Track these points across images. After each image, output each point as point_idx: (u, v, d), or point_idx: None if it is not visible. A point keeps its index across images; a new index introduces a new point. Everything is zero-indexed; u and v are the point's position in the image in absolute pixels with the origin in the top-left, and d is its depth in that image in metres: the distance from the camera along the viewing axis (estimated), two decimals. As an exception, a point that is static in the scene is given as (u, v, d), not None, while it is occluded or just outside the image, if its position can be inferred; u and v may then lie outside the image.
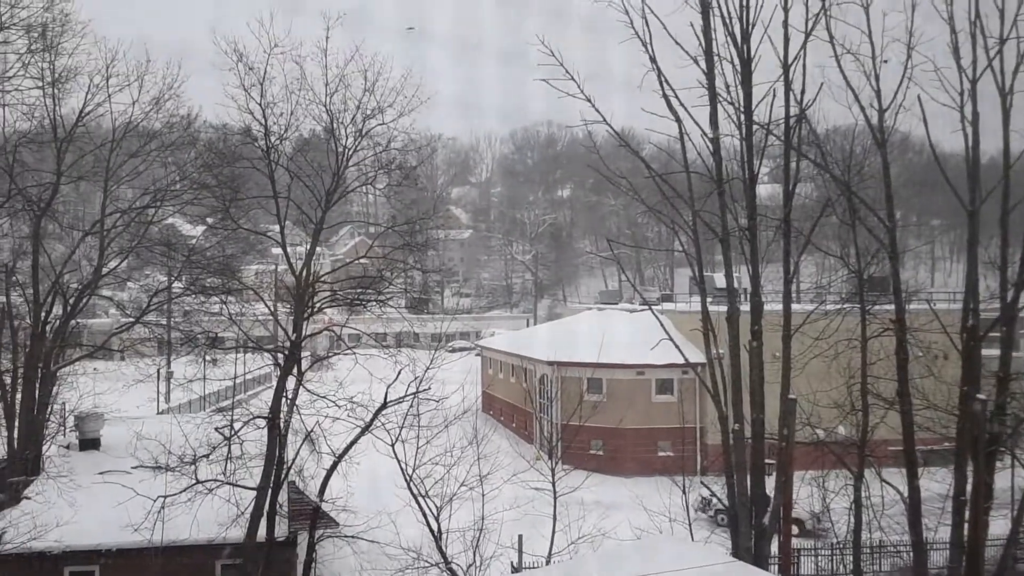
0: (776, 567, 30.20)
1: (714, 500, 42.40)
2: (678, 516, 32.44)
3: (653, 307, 42.09)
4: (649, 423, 53.33)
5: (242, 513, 27.20)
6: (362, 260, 34.02)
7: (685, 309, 55.11)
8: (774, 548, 30.21)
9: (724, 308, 29.37)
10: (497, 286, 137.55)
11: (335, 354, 31.31)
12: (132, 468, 29.57)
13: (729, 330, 28.97)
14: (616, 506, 44.75)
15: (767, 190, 62.70)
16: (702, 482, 40.09)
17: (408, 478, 29.43)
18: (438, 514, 29.31)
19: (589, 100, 27.83)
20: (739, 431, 28.75)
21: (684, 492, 33.12)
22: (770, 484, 29.46)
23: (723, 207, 28.55)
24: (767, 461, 30.79)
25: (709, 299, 30.19)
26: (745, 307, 29.49)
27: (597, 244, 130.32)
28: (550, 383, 55.43)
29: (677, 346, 32.34)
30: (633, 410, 53.12)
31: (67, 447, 34.48)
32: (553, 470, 31.26)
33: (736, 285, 30.36)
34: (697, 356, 37.17)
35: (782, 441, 28.17)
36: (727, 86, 27.93)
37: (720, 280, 42.98)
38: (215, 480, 27.13)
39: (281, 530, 28.13)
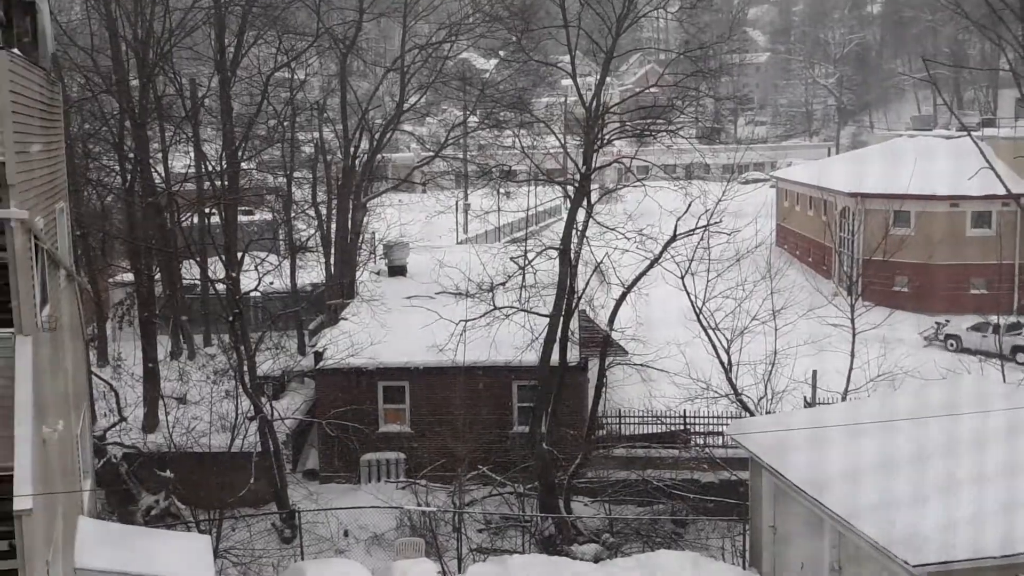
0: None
1: (942, 325, 41.21)
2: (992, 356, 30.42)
3: (972, 132, 38.40)
4: (961, 259, 49.70)
5: (536, 338, 28.19)
6: (652, 89, 33.13)
7: (1009, 135, 50.01)
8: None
9: (1056, 132, 26.36)
10: (796, 113, 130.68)
11: (624, 186, 31.10)
12: (436, 294, 31.30)
13: (1061, 157, 26.04)
14: (920, 344, 42.64)
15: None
16: (1019, 320, 37.17)
17: (698, 310, 29.24)
18: (728, 346, 29.06)
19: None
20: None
21: (998, 332, 30.90)
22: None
23: (1061, 17, 25.26)
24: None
25: (1039, 122, 27.18)
26: (1082, 131, 26.36)
27: (910, 64, 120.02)
28: (852, 216, 52.68)
29: (998, 175, 29.71)
30: (944, 245, 49.61)
31: (377, 273, 36.98)
32: (852, 306, 29.94)
33: (1072, 106, 27.10)
34: (1021, 186, 33.87)
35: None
36: None
37: (1053, 101, 38.48)
38: (511, 307, 28.19)
39: (573, 355, 28.98)
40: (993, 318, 41.36)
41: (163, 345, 34.77)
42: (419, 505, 26.46)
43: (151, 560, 17.02)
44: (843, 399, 28.56)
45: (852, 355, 29.18)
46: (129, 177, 33.49)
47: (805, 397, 30.27)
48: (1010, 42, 28.41)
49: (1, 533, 15.33)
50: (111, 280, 40.94)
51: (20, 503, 11.97)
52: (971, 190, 44.65)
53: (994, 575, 16.11)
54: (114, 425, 27.84)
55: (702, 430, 30.07)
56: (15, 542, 12.77)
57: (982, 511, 16.82)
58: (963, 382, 26.74)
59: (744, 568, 22.17)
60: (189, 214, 35.79)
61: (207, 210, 36.38)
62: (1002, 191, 30.84)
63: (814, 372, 29.97)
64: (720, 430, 29.27)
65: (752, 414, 27.98)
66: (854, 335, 29.39)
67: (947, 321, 43.91)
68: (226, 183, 31.45)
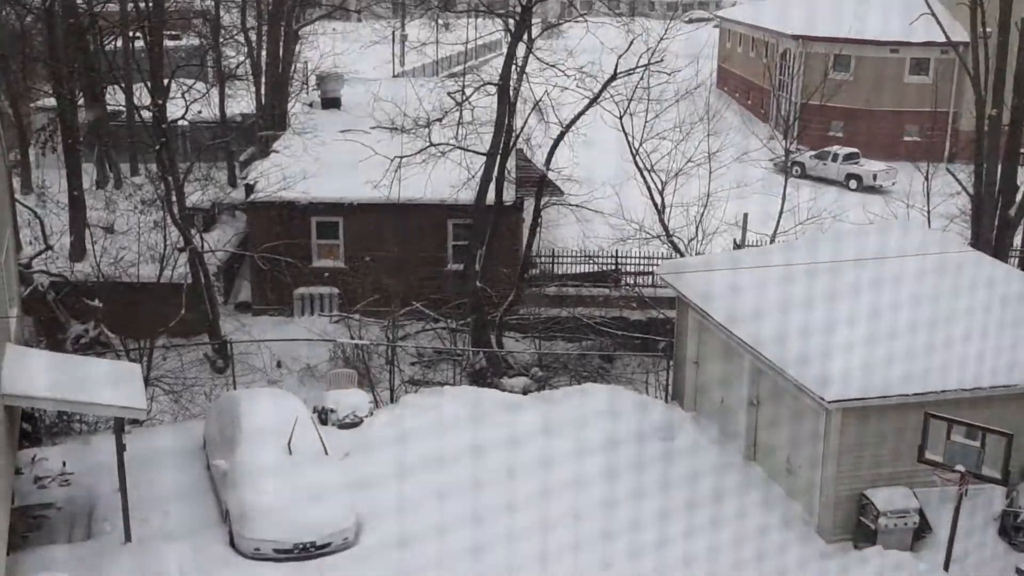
0: (1017, 260, 28.76)
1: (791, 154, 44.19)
2: (917, 202, 31.05)
3: (916, -24, 37.97)
4: (897, 105, 50.06)
5: (472, 177, 27.98)
6: (598, -82, 32.03)
7: (953, -20, 49.62)
8: (1018, 240, 28.71)
9: (999, -22, 26.18)
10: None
11: (566, 21, 30.37)
12: (370, 128, 30.67)
13: (1000, 5, 25.96)
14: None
15: None
16: (948, 169, 37.79)
17: (634, 151, 29.19)
18: (663, 188, 29.22)
19: None
20: (996, 117, 26.57)
21: (926, 179, 31.46)
22: (1022, 175, 27.53)
23: None
24: (1023, 151, 28.58)
25: (982, -33, 26.91)
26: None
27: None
28: (793, 58, 52.42)
29: (939, 22, 29.57)
30: (881, 91, 49.82)
31: (310, 105, 36.07)
32: (787, 150, 30.14)
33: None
34: (960, 35, 33.88)
35: (1044, 130, 25.87)
36: None
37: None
38: (447, 144, 27.80)
39: (509, 195, 28.88)
40: (833, 148, 46.18)
41: (88, 173, 33.85)
42: (352, 338, 26.71)
43: (80, 386, 17.05)
44: (771, 242, 29.08)
45: (783, 198, 29.54)
46: (48, -5, 31.74)
47: (735, 239, 30.76)
48: None
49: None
50: (33, 105, 39.39)
51: (-59, 329, 11.82)
52: (912, 36, 44.60)
53: (903, 412, 16.95)
54: (40, 253, 27.32)
55: (633, 270, 30.52)
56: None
57: (896, 351, 17.50)
58: (888, 228, 27.33)
59: (666, 402, 22.97)
60: (112, 37, 34.23)
61: (131, 33, 34.81)
62: (942, 38, 30.75)
63: (744, 215, 30.36)
64: (650, 270, 29.73)
65: (682, 255, 28.42)
66: (787, 178, 29.69)
67: (798, 150, 45.75)
68: (150, 5, 30.00)
